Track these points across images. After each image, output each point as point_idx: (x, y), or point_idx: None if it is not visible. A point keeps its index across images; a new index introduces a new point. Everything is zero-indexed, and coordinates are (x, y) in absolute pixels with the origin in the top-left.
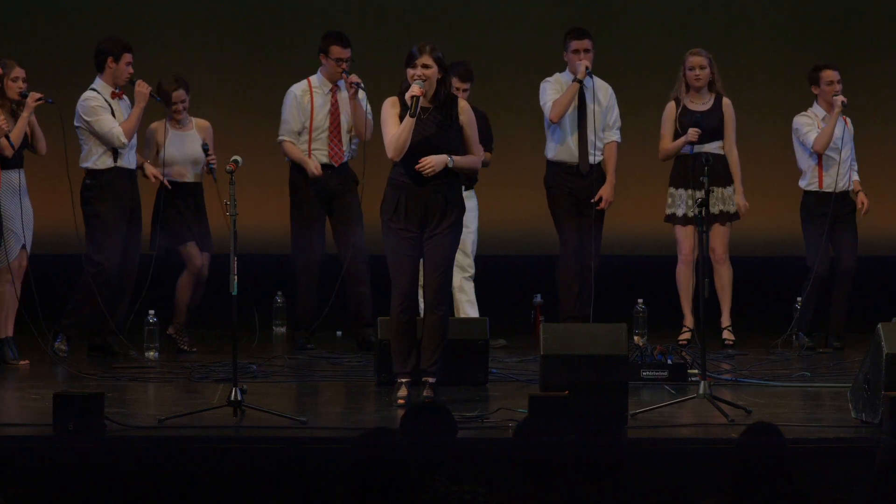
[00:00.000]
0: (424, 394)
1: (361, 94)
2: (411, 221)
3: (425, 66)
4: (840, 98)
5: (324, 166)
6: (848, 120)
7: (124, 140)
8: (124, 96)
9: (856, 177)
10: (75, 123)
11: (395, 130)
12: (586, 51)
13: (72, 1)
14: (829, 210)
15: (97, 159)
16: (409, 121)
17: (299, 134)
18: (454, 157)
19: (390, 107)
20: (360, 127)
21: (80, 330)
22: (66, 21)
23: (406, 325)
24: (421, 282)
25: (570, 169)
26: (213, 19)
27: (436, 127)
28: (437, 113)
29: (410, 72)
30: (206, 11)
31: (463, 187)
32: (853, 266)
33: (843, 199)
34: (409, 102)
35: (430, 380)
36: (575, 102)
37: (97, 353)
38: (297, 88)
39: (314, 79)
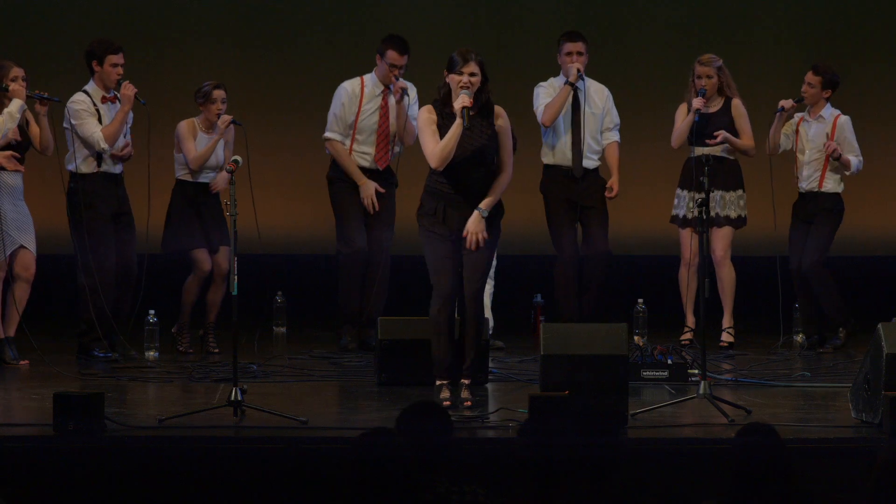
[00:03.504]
0: (462, 395)
1: (410, 100)
2: (451, 228)
3: (472, 74)
4: (781, 102)
5: (366, 170)
6: (839, 120)
7: (104, 146)
8: (117, 100)
9: (829, 186)
10: (64, 125)
11: (435, 140)
12: (579, 53)
13: (78, 2)
14: (800, 209)
15: (81, 163)
16: (456, 131)
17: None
18: (483, 207)
19: (427, 115)
20: (401, 132)
21: (104, 334)
22: (69, 22)
23: (444, 326)
24: None
25: (565, 173)
26: (217, 22)
27: (475, 135)
28: (477, 120)
29: (456, 78)
30: (210, 14)
31: None
32: (808, 268)
33: (812, 200)
34: (459, 114)
35: (468, 381)
36: (569, 106)
37: (85, 355)
38: (350, 85)
39: (367, 78)
